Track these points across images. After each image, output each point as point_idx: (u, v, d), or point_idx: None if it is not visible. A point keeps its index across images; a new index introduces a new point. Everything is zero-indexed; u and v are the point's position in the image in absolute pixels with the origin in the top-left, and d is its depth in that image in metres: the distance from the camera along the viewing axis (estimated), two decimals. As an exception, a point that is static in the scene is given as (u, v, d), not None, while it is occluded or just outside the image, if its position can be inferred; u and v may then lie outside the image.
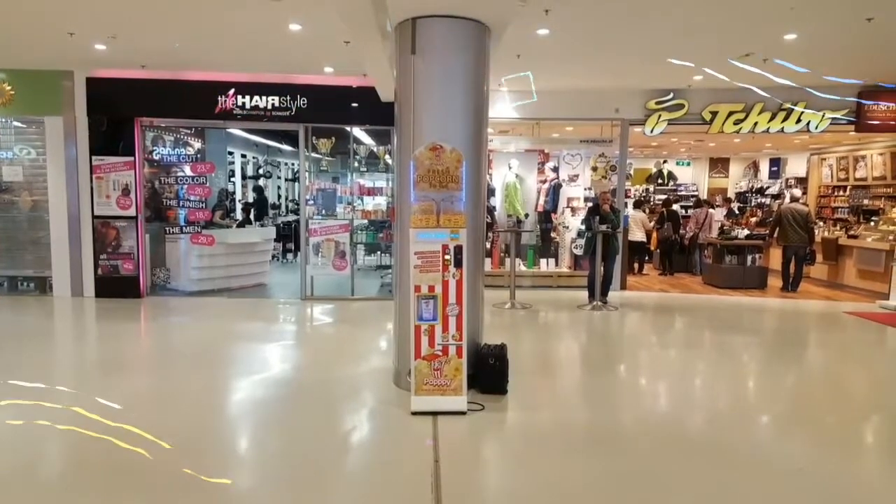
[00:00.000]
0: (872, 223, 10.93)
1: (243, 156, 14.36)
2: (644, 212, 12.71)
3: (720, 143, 15.26)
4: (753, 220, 14.33)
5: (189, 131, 9.54)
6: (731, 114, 9.45)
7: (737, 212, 15.20)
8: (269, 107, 8.62)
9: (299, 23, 6.23)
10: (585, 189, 10.47)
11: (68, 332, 7.33)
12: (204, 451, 3.68)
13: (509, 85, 9.01)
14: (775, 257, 10.97)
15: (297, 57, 7.63)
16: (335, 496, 3.17)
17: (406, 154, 4.50)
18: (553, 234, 10.57)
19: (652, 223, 12.34)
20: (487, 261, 9.59)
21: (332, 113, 8.68)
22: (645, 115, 9.57)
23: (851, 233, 10.95)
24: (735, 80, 8.32)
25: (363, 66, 7.26)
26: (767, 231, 10.74)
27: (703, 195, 17.08)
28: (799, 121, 9.37)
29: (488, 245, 9.72)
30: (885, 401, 4.94)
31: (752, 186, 17.54)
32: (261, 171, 14.86)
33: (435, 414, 4.12)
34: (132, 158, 8.58)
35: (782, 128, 9.43)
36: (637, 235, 11.54)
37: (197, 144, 9.80)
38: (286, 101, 8.61)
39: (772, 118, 9.41)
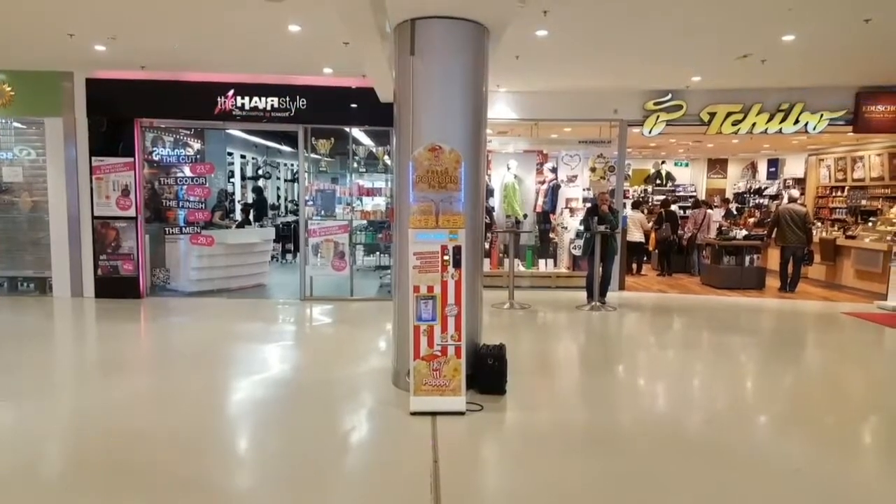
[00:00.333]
0: (870, 224, 10.96)
1: (243, 156, 14.38)
2: (642, 212, 12.73)
3: (718, 144, 15.29)
4: (751, 220, 14.36)
5: (188, 132, 9.55)
6: (729, 114, 9.47)
7: (735, 212, 15.23)
8: (269, 108, 8.64)
9: (299, 24, 6.24)
10: (584, 190, 10.49)
11: (68, 333, 7.34)
12: (204, 451, 3.69)
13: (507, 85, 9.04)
14: (773, 258, 10.99)
15: (296, 58, 7.64)
16: (334, 496, 3.18)
17: (405, 155, 4.51)
18: (552, 235, 10.59)
19: (650, 224, 12.37)
20: (486, 261, 9.60)
21: (331, 114, 8.69)
22: (643, 115, 9.59)
23: (849, 233, 10.98)
24: (734, 80, 8.37)
25: (362, 67, 7.28)
26: (765, 232, 10.77)
27: (702, 196, 17.10)
28: (797, 121, 9.40)
29: (487, 246, 9.73)
30: (882, 401, 4.96)
31: (751, 187, 17.57)
32: (260, 172, 14.86)
33: (434, 414, 4.13)
34: (132, 159, 8.60)
35: (780, 128, 9.46)
36: (635, 236, 11.57)
37: (196, 145, 9.81)
38: (285, 101, 8.63)
39: (770, 119, 9.44)
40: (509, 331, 7.05)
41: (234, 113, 8.62)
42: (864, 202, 13.01)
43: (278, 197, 15.93)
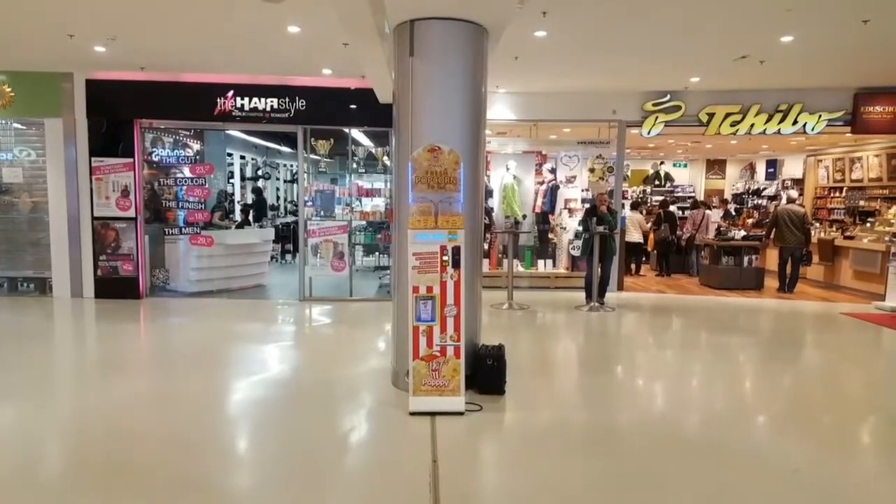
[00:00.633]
0: (868, 224, 10.97)
1: (242, 157, 14.39)
2: (641, 213, 12.75)
3: (717, 145, 15.31)
4: (750, 221, 14.37)
5: (188, 133, 9.57)
6: (727, 115, 9.50)
7: (733, 213, 15.25)
8: (268, 108, 8.65)
9: (298, 25, 6.26)
10: (583, 190, 10.50)
11: (68, 333, 7.35)
12: (203, 451, 3.70)
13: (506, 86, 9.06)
14: (772, 258, 11.01)
15: (295, 59, 7.66)
16: (334, 496, 3.19)
17: (404, 155, 4.52)
18: (550, 236, 10.60)
19: (649, 224, 12.39)
20: (485, 262, 9.62)
21: (330, 114, 8.71)
22: (642, 116, 9.61)
23: (847, 234, 11.00)
24: (733, 81, 8.39)
25: (361, 67, 7.29)
26: (764, 232, 10.79)
27: (700, 196, 17.13)
28: (795, 122, 9.43)
29: (486, 246, 9.75)
30: (881, 401, 4.98)
31: (749, 188, 17.59)
32: (259, 173, 14.88)
33: (433, 414, 4.14)
34: (131, 160, 8.61)
35: (779, 129, 9.49)
36: (634, 236, 11.59)
37: (196, 146, 9.83)
38: (285, 102, 8.64)
39: (768, 120, 9.46)
40: (508, 331, 7.06)
41: (233, 114, 8.63)
42: (862, 203, 13.03)
43: (278, 197, 15.94)
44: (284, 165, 16.25)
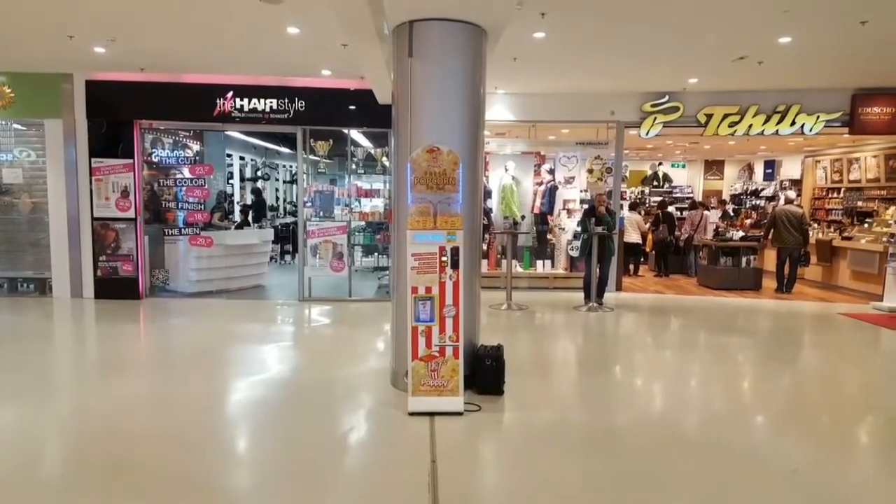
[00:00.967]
0: (866, 225, 11.01)
1: (241, 158, 14.40)
2: (640, 214, 12.77)
3: (715, 146, 15.33)
4: (748, 221, 14.39)
5: (188, 133, 9.58)
6: (726, 116, 9.52)
7: (731, 214, 15.27)
8: (268, 109, 8.67)
9: (297, 26, 6.28)
10: (581, 191, 10.52)
11: (68, 334, 7.36)
12: (203, 451, 3.72)
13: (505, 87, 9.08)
14: (770, 259, 11.04)
15: (295, 60, 7.68)
16: (333, 496, 3.20)
17: (403, 156, 4.54)
18: (549, 236, 10.62)
19: (647, 225, 12.41)
20: (484, 262, 9.64)
21: (329, 115, 8.73)
22: (640, 117, 9.64)
23: (845, 234, 11.03)
24: (731, 82, 8.42)
25: (361, 68, 7.31)
26: (762, 233, 10.82)
27: (698, 197, 17.13)
28: (793, 123, 9.46)
29: (485, 247, 9.77)
30: (879, 401, 5.00)
31: (747, 188, 17.61)
32: (259, 174, 14.89)
33: (432, 415, 4.15)
34: (131, 161, 8.63)
35: (777, 130, 9.51)
36: (633, 237, 11.61)
37: (195, 147, 9.84)
38: (284, 103, 8.66)
39: (766, 120, 9.49)
40: (507, 331, 7.08)
41: (232, 114, 8.65)
42: (860, 203, 13.05)
43: (277, 198, 15.95)
44: (284, 166, 16.26)
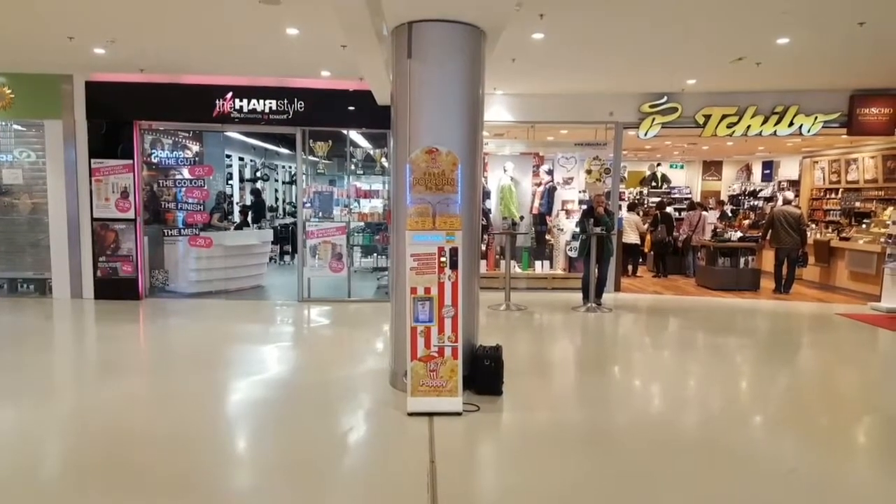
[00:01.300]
0: (864, 226, 11.03)
1: (241, 159, 14.42)
2: (638, 214, 12.80)
3: (713, 147, 15.37)
4: (746, 222, 14.41)
5: (187, 134, 9.59)
6: (724, 117, 9.55)
7: (730, 214, 15.29)
8: (267, 110, 8.69)
9: (297, 27, 6.30)
10: (580, 192, 10.54)
11: (68, 334, 7.36)
12: (203, 451, 3.73)
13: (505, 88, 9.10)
14: (768, 259, 11.06)
15: (294, 61, 7.69)
16: (332, 496, 3.22)
17: (402, 157, 4.56)
18: (548, 237, 10.64)
19: (646, 226, 12.43)
20: (483, 263, 9.66)
21: (328, 116, 8.74)
22: (639, 118, 9.66)
23: (843, 235, 11.06)
24: (729, 83, 8.44)
25: (360, 69, 7.30)
26: (760, 233, 10.84)
27: (697, 198, 17.18)
28: (791, 124, 9.48)
29: (483, 247, 9.79)
30: (876, 402, 5.02)
31: (745, 189, 17.65)
32: (258, 174, 14.90)
33: (431, 415, 4.17)
34: (131, 161, 8.64)
35: (775, 131, 9.54)
36: (631, 238, 11.63)
37: (195, 147, 9.85)
38: (283, 104, 8.67)
39: (765, 121, 9.51)
40: (506, 332, 7.10)
41: (232, 115, 8.67)
42: (857, 204, 13.09)
43: (276, 199, 15.97)
44: (283, 167, 16.28)
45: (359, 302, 8.90)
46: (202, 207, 9.16)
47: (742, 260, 10.53)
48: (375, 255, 9.35)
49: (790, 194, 12.27)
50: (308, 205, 9.04)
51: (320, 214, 9.05)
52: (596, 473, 3.47)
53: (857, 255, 10.08)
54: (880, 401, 5.03)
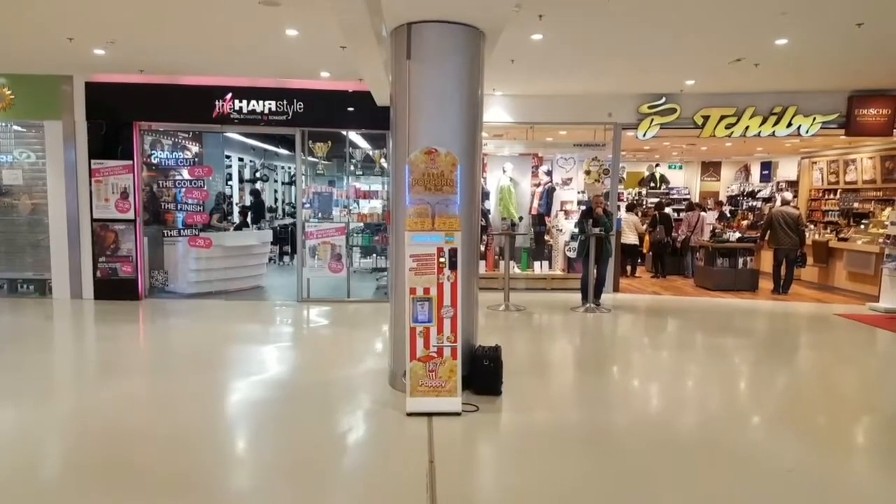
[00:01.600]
0: (862, 226, 11.05)
1: (240, 159, 14.43)
2: (637, 215, 12.81)
3: (712, 147, 15.38)
4: (745, 223, 14.44)
5: (187, 135, 9.60)
6: (722, 118, 9.57)
7: (728, 215, 15.32)
8: (266, 111, 8.70)
9: (296, 28, 6.31)
10: (579, 192, 10.55)
11: (67, 334, 7.37)
12: (202, 451, 3.74)
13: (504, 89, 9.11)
14: (766, 260, 11.08)
15: (293, 62, 7.70)
16: (331, 496, 3.23)
17: (401, 158, 4.57)
18: (547, 237, 10.65)
19: (645, 226, 12.45)
20: (482, 263, 9.67)
21: (328, 117, 8.75)
22: (637, 119, 9.68)
23: (842, 236, 11.08)
24: (728, 84, 8.45)
25: (359, 70, 7.32)
26: (759, 234, 10.86)
27: (695, 198, 17.19)
28: (790, 125, 9.50)
29: (483, 248, 9.80)
30: (875, 402, 5.03)
31: (744, 190, 17.66)
32: (258, 175, 14.91)
33: (430, 415, 4.18)
34: (131, 162, 8.65)
35: (773, 131, 9.56)
36: (630, 238, 11.64)
37: (195, 148, 9.86)
38: (283, 105, 8.68)
39: (763, 122, 9.53)
40: (505, 332, 7.11)
41: (231, 116, 8.68)
42: (856, 205, 13.10)
43: (276, 199, 15.98)
44: (282, 168, 16.29)
45: (358, 302, 8.91)
46: (202, 208, 9.18)
47: (741, 260, 10.55)
48: (374, 255, 9.37)
49: (789, 195, 12.28)
50: (307, 205, 9.05)
51: (319, 215, 9.07)
52: (595, 473, 3.48)
53: (855, 256, 10.10)
54: (879, 401, 5.04)
